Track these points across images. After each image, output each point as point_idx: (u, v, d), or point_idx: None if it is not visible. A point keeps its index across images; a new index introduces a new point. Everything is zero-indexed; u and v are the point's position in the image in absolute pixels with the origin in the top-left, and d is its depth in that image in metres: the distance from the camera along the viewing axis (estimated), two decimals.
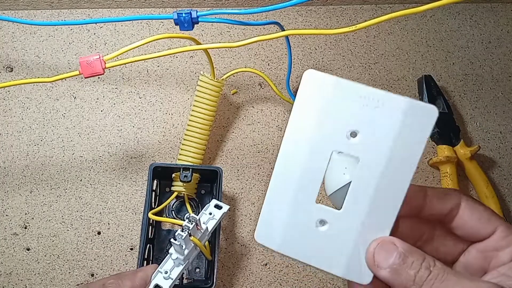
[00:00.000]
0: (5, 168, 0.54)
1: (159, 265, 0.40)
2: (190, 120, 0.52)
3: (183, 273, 0.41)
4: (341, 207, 0.26)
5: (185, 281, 0.50)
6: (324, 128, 0.25)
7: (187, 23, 0.39)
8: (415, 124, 0.24)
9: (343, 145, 0.25)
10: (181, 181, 0.48)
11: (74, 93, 0.57)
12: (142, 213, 0.49)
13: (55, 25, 0.58)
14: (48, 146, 0.55)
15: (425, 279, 0.24)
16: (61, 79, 0.40)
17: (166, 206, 0.52)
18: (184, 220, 0.40)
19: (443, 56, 0.61)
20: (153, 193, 0.50)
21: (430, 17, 0.63)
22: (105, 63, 0.39)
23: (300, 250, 0.27)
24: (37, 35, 0.58)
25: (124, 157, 0.55)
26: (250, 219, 0.54)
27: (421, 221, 0.28)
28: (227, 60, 0.59)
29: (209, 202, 0.45)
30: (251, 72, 0.57)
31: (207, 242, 0.45)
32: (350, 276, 0.26)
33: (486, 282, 0.24)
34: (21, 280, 0.51)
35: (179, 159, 0.52)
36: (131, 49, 0.39)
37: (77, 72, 0.40)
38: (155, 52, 0.40)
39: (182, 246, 0.39)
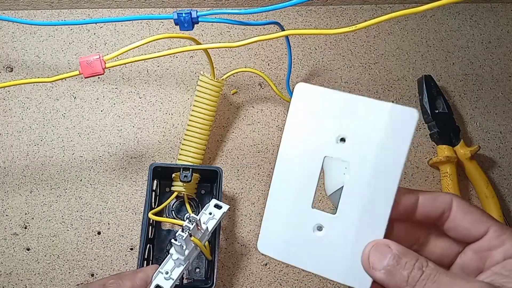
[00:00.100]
0: (5, 168, 0.54)
1: (159, 265, 0.40)
2: (190, 120, 0.52)
3: (183, 273, 0.41)
4: (336, 211, 0.27)
5: (185, 281, 0.50)
6: (315, 136, 0.27)
7: (187, 23, 0.39)
8: (397, 128, 0.25)
9: (333, 150, 0.26)
10: (181, 181, 0.48)
11: (74, 93, 0.57)
12: (142, 213, 0.49)
13: (55, 25, 0.58)
14: (48, 146, 0.55)
15: (418, 279, 0.24)
16: (61, 79, 0.40)
17: (166, 206, 0.52)
18: (184, 220, 0.40)
19: (443, 56, 0.61)
20: (153, 193, 0.50)
21: (430, 17, 0.63)
22: (105, 63, 0.39)
23: (301, 258, 0.27)
24: (37, 35, 0.58)
25: (124, 157, 0.55)
26: (250, 219, 0.54)
27: (416, 225, 0.29)
28: (227, 60, 0.59)
29: (209, 202, 0.45)
30: (251, 72, 0.57)
31: (207, 242, 0.45)
32: (350, 281, 0.26)
33: (479, 282, 0.24)
34: (21, 280, 0.51)
35: (179, 159, 0.52)
36: (131, 49, 0.39)
37: (77, 72, 0.40)
38: (155, 52, 0.40)
39: (183, 246, 0.39)
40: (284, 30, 0.44)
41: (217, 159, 0.56)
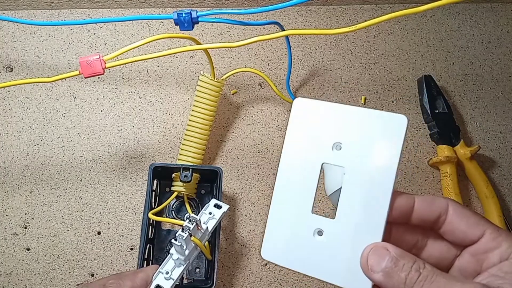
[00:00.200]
0: (5, 168, 0.54)
1: (159, 265, 0.40)
2: (190, 120, 0.52)
3: (183, 273, 0.41)
4: (335, 216, 0.27)
5: (185, 281, 0.50)
6: (313, 144, 0.28)
7: (187, 23, 0.39)
8: (387, 134, 0.27)
9: (330, 157, 0.28)
10: (181, 181, 0.48)
11: (74, 93, 0.57)
12: (142, 213, 0.49)
13: (55, 25, 0.58)
14: (48, 146, 0.55)
15: (415, 281, 0.24)
16: (61, 79, 0.40)
17: (166, 206, 0.52)
18: (184, 220, 0.40)
19: (443, 56, 0.61)
20: (153, 193, 0.50)
21: (430, 17, 0.63)
22: (105, 63, 0.39)
23: (303, 263, 0.28)
24: (37, 35, 0.58)
25: (124, 157, 0.55)
26: (250, 219, 0.54)
27: (413, 229, 0.29)
28: (227, 60, 0.59)
29: (209, 202, 0.45)
30: (251, 72, 0.57)
31: (207, 242, 0.45)
32: (350, 285, 0.27)
33: (475, 283, 0.25)
34: (21, 280, 0.51)
35: (179, 159, 0.52)
36: (131, 49, 0.39)
37: (77, 72, 0.40)
38: (155, 52, 0.40)
39: (183, 246, 0.39)
40: (284, 30, 0.44)
41: (217, 159, 0.56)
